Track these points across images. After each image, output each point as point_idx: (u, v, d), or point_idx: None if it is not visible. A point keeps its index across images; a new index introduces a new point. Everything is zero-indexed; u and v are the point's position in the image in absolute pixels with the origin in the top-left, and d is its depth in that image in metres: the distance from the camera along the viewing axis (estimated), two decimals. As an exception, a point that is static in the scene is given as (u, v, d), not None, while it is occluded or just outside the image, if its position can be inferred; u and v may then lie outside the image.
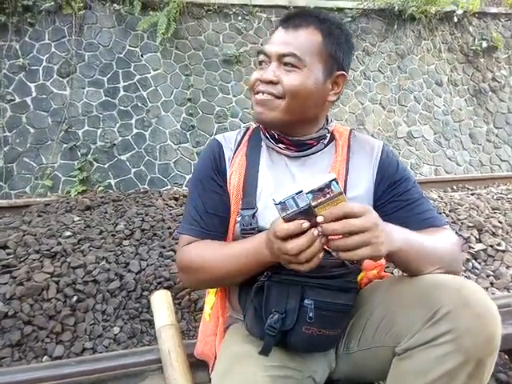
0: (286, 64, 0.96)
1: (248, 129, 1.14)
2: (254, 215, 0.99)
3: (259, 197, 1.01)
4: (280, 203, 0.74)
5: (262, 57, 1.01)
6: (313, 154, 1.04)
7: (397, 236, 0.81)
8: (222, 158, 1.06)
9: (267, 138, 1.06)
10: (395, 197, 1.02)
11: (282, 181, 1.02)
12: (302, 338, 0.89)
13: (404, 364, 0.84)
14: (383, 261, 1.07)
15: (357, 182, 1.02)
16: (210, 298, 1.14)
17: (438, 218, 1.02)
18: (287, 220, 0.76)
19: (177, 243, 2.68)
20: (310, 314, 0.86)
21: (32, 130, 5.60)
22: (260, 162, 1.06)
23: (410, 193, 1.02)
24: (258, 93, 1.00)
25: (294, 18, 0.99)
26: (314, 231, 0.75)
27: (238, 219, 1.01)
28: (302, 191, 0.72)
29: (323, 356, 0.99)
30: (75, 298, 2.15)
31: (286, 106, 0.97)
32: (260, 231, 0.93)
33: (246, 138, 1.11)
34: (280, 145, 1.04)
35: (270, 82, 0.97)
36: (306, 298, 0.87)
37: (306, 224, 0.75)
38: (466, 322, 0.77)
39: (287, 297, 0.87)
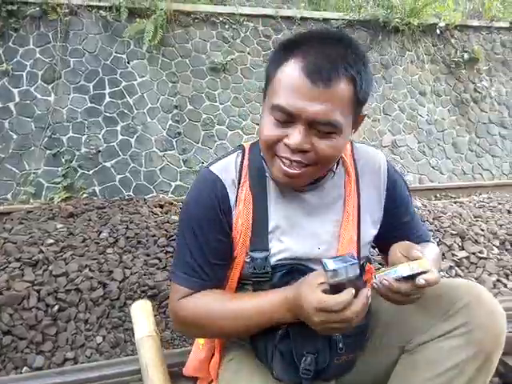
0: (319, 131, 0.83)
1: (243, 151, 1.00)
2: (266, 258, 0.91)
3: (271, 237, 0.93)
4: (332, 270, 0.75)
5: (280, 114, 0.83)
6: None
7: None
8: (225, 196, 0.93)
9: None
10: (396, 217, 1.04)
11: (294, 217, 0.95)
12: (334, 369, 0.88)
13: (415, 357, 0.88)
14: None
15: (368, 205, 1.00)
16: None
17: (427, 233, 1.11)
18: (333, 286, 0.76)
19: (162, 251, 2.66)
20: (340, 345, 0.86)
21: (15, 136, 5.51)
22: (268, 195, 0.95)
23: (408, 212, 1.06)
24: (283, 160, 0.86)
25: (323, 66, 0.79)
26: (368, 292, 0.77)
27: (248, 260, 0.93)
28: (356, 263, 0.75)
29: None
30: (57, 307, 2.11)
31: (318, 171, 0.89)
32: (272, 275, 0.91)
33: (246, 165, 0.97)
34: None
35: (301, 151, 0.84)
36: None
37: (353, 291, 0.75)
38: (480, 317, 0.82)
39: (315, 335, 0.83)
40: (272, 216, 0.94)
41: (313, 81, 0.79)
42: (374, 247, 1.12)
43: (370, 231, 1.01)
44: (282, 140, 0.85)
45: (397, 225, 1.04)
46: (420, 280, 0.76)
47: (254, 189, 0.95)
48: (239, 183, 0.95)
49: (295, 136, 0.82)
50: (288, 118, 0.83)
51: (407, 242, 0.88)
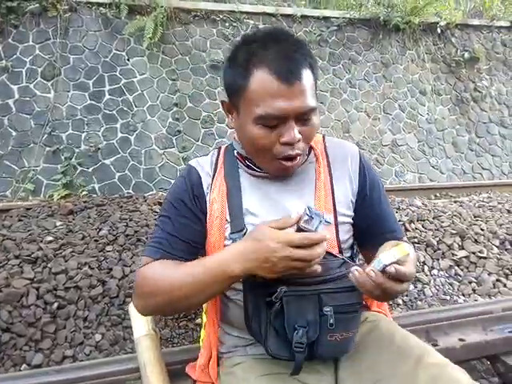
0: (303, 119, 0.92)
1: (219, 149, 1.10)
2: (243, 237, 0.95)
3: (247, 219, 0.97)
4: (309, 215, 0.81)
5: (267, 121, 0.90)
6: None
7: None
8: (199, 184, 1.02)
9: (246, 166, 1.03)
10: (369, 209, 1.06)
11: (267, 200, 1.00)
12: (328, 346, 0.89)
13: None
14: None
15: (341, 194, 1.03)
16: (202, 332, 1.11)
17: (401, 232, 1.12)
18: (298, 230, 0.82)
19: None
20: (331, 321, 0.86)
21: (14, 133, 5.50)
22: (241, 184, 1.02)
23: (381, 204, 1.08)
24: (286, 158, 0.93)
25: (289, 65, 0.88)
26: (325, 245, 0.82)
27: (228, 243, 0.96)
28: (329, 224, 0.84)
29: None
30: (56, 304, 2.10)
31: (305, 153, 1.00)
32: None
33: (221, 160, 1.06)
34: (261, 172, 1.02)
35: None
36: (324, 306, 0.87)
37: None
38: None
39: (306, 309, 0.86)
40: (246, 200, 1.00)
41: (287, 81, 0.87)
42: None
43: (347, 213, 1.03)
44: (277, 141, 0.92)
45: (370, 215, 1.05)
46: (391, 268, 0.78)
47: (228, 177, 1.02)
48: (214, 174, 1.04)
49: (290, 133, 0.90)
50: (276, 121, 0.90)
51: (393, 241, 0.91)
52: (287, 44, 0.91)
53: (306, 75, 0.90)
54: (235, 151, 1.06)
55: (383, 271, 0.79)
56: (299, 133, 0.91)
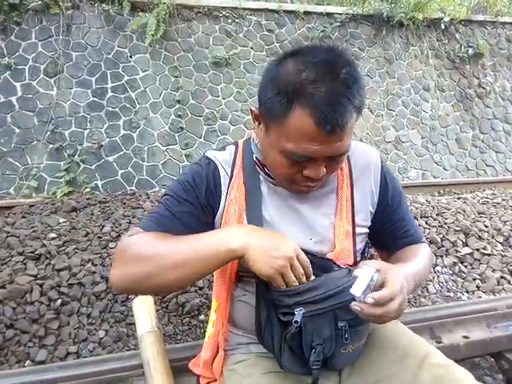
0: (335, 160, 0.87)
1: (236, 145, 1.03)
2: None
3: (264, 223, 0.94)
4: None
5: (295, 157, 0.85)
6: None
7: (407, 284, 0.84)
8: (218, 180, 0.96)
9: (265, 174, 0.98)
10: (389, 216, 1.05)
11: (286, 208, 0.97)
12: (341, 358, 0.89)
13: None
14: None
15: (361, 205, 1.01)
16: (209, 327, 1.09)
17: (419, 234, 1.10)
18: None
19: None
20: (346, 335, 0.85)
21: (17, 130, 5.51)
22: (261, 190, 0.97)
23: (401, 211, 1.06)
24: (303, 186, 0.91)
25: (335, 114, 0.78)
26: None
27: None
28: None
29: None
30: (59, 301, 2.11)
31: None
32: None
33: (239, 159, 1.00)
34: None
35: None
36: (339, 321, 0.85)
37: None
38: None
39: (323, 326, 0.84)
40: (264, 208, 0.96)
41: (329, 130, 0.79)
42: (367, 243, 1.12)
43: (365, 224, 1.02)
44: (300, 173, 0.88)
45: (389, 221, 1.05)
46: (368, 299, 0.75)
47: (247, 183, 0.97)
48: (232, 173, 0.97)
49: (316, 170, 0.86)
50: (304, 159, 0.85)
51: (386, 264, 0.85)
52: (339, 82, 0.79)
53: (350, 120, 0.81)
54: (254, 155, 0.99)
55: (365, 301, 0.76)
56: (325, 168, 0.87)
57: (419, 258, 1.02)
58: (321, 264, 0.92)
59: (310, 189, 0.92)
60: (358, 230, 0.99)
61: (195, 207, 0.94)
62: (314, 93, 0.79)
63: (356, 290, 0.76)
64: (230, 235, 0.83)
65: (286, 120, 0.82)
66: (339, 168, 0.94)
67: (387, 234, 1.06)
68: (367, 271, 0.77)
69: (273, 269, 0.80)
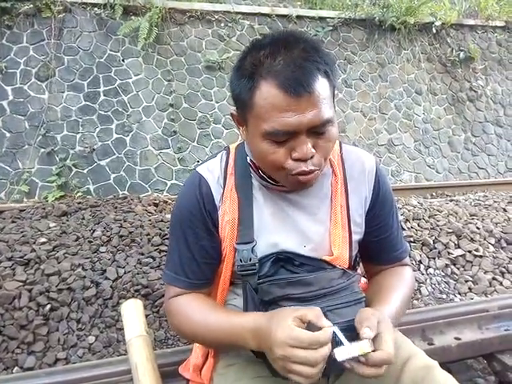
0: (317, 132, 0.83)
1: (228, 151, 1.01)
2: (252, 249, 0.91)
3: (257, 233, 0.93)
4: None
5: (276, 137, 0.82)
6: None
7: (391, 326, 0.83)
8: (209, 195, 0.95)
9: (260, 177, 0.96)
10: (377, 227, 1.02)
11: (280, 213, 0.95)
12: (334, 363, 0.85)
13: None
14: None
15: (355, 212, 0.99)
16: None
17: (405, 251, 1.08)
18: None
19: (156, 250, 2.64)
20: (337, 340, 0.82)
21: (8, 134, 5.46)
22: (254, 195, 0.96)
23: (389, 222, 1.04)
24: (300, 173, 0.85)
25: (299, 76, 0.78)
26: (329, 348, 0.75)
27: (236, 255, 0.94)
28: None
29: None
30: (48, 306, 2.08)
31: (323, 167, 0.89)
32: (260, 266, 0.91)
33: (231, 165, 0.98)
34: (275, 185, 0.95)
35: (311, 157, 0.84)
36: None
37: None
38: None
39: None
40: (257, 213, 0.95)
41: (296, 94, 0.78)
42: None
43: (359, 230, 1.00)
44: (288, 157, 0.84)
45: (377, 230, 1.02)
46: (358, 370, 0.75)
47: (240, 188, 0.96)
48: (224, 183, 0.96)
49: (303, 148, 0.82)
50: (285, 137, 0.82)
51: (369, 311, 0.83)
52: (298, 51, 0.80)
53: (320, 85, 0.80)
54: (248, 158, 0.97)
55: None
56: (313, 147, 0.83)
57: (405, 292, 0.98)
58: (315, 265, 0.92)
59: (307, 177, 0.85)
60: (354, 236, 0.98)
61: (202, 238, 0.96)
62: (273, 64, 0.80)
63: (341, 354, 0.74)
64: (246, 337, 0.84)
65: (255, 99, 0.82)
66: (329, 148, 0.87)
67: (373, 245, 1.03)
68: (363, 346, 0.75)
69: (281, 370, 0.77)
